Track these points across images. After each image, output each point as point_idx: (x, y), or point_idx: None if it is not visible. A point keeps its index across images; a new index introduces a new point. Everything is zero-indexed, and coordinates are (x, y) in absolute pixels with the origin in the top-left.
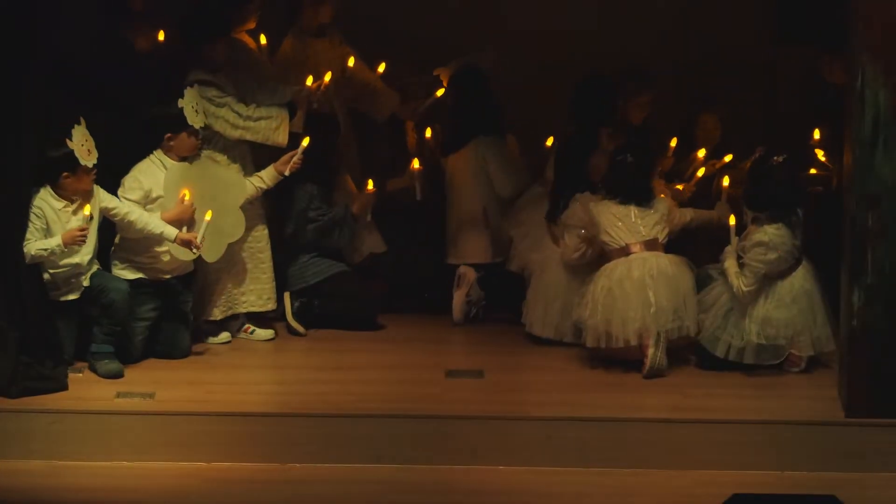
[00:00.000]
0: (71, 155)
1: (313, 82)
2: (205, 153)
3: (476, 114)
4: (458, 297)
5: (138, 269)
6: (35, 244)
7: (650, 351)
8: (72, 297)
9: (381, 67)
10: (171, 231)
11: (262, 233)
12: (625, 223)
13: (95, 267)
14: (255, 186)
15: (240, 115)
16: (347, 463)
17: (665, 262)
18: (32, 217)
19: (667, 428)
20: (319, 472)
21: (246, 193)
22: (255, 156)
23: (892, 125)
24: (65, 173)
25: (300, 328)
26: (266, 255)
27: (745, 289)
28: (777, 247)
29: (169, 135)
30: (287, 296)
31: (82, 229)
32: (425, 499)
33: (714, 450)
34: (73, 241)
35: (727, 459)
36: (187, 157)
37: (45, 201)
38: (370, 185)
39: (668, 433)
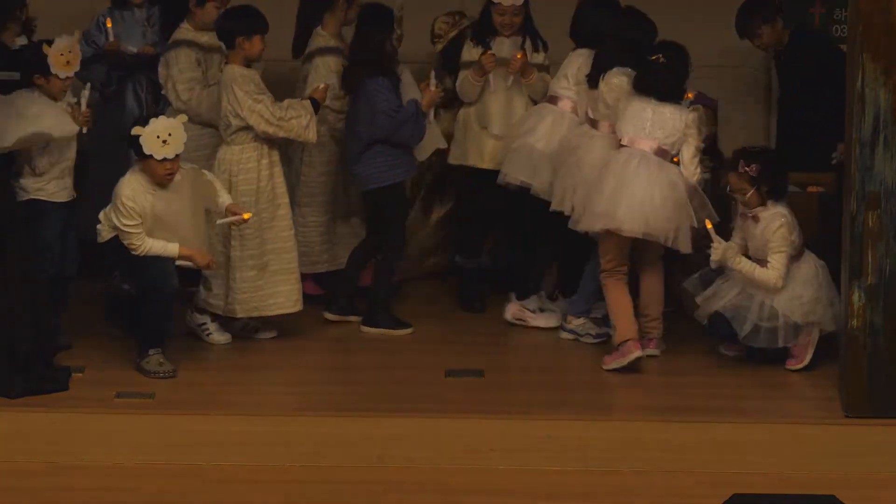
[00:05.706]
0: (45, 60)
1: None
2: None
3: None
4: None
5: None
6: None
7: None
8: (58, 197)
9: None
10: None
11: (288, 233)
12: (640, 119)
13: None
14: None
15: (274, 113)
16: (347, 463)
17: (669, 168)
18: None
19: (667, 428)
20: (319, 472)
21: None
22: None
23: (892, 125)
24: (36, 74)
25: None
26: (292, 256)
27: (780, 276)
28: (794, 224)
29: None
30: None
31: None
32: (425, 499)
33: (714, 450)
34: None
35: (727, 459)
36: (163, 185)
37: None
38: (432, 80)
39: (668, 433)
